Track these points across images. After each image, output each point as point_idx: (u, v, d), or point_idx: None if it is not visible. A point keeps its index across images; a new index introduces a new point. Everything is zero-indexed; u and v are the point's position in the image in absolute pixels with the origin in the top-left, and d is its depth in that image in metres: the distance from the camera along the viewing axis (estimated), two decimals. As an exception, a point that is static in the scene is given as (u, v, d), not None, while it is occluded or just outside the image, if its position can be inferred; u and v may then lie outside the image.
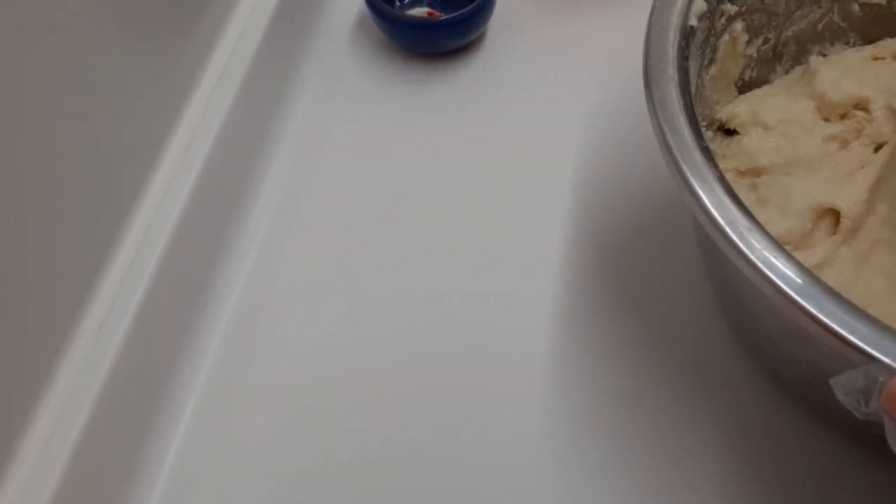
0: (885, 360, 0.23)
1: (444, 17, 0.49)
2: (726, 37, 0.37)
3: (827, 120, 0.38)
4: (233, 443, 0.37)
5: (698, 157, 0.28)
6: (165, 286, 0.37)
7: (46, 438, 0.32)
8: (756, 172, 0.37)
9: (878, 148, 0.37)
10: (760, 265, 0.25)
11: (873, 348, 0.23)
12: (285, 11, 0.48)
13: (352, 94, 0.50)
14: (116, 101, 0.36)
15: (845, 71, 0.39)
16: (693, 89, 0.31)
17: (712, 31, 0.35)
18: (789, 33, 0.40)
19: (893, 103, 0.37)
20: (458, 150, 0.47)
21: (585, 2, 0.53)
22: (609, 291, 0.41)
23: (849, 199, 0.35)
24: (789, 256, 0.25)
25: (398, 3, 0.52)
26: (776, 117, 0.38)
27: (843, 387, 0.24)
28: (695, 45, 0.32)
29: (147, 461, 0.36)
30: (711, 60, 0.37)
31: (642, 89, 0.48)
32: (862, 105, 0.38)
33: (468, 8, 0.48)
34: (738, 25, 0.37)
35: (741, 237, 0.26)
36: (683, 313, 0.40)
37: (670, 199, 0.43)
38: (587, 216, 0.44)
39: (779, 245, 0.26)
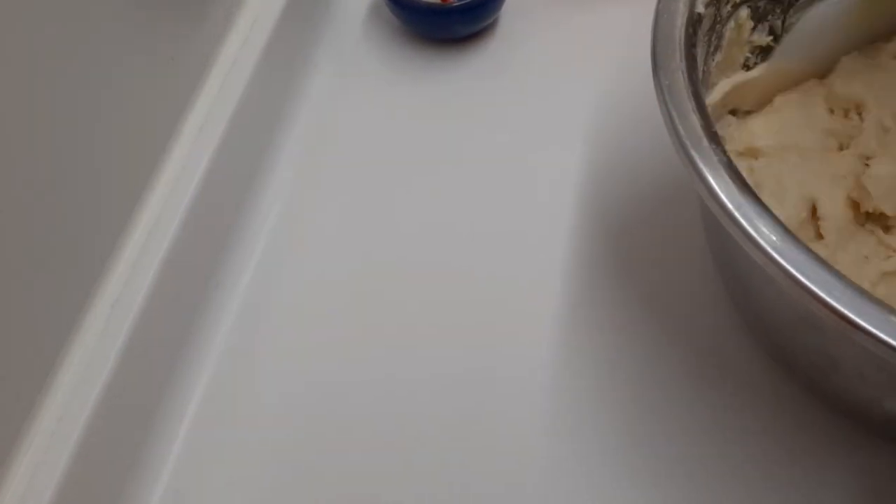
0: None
1: (457, 3, 0.49)
2: (732, 24, 0.36)
3: (832, 112, 0.38)
4: (238, 439, 0.37)
5: (706, 143, 0.28)
6: (177, 271, 0.37)
7: (50, 433, 0.32)
8: (753, 154, 0.37)
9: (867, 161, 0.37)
10: (770, 250, 0.25)
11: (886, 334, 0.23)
12: (298, -2, 0.48)
13: (364, 79, 0.50)
14: (130, 85, 0.36)
15: (865, 66, 0.39)
16: (700, 76, 0.31)
17: (718, 18, 0.35)
18: (793, 20, 0.40)
19: (885, 120, 0.37)
20: (471, 136, 0.47)
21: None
22: (617, 279, 0.41)
23: (828, 201, 0.35)
24: (798, 241, 0.25)
25: (412, -11, 0.52)
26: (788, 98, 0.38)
27: None
28: (701, 31, 0.32)
29: (151, 456, 0.37)
30: (717, 47, 0.36)
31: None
32: (859, 110, 0.38)
33: (481, -6, 0.48)
34: (744, 12, 0.37)
35: (750, 223, 0.26)
36: (692, 301, 0.40)
37: (680, 189, 0.43)
38: (597, 204, 0.44)
39: (787, 230, 0.26)
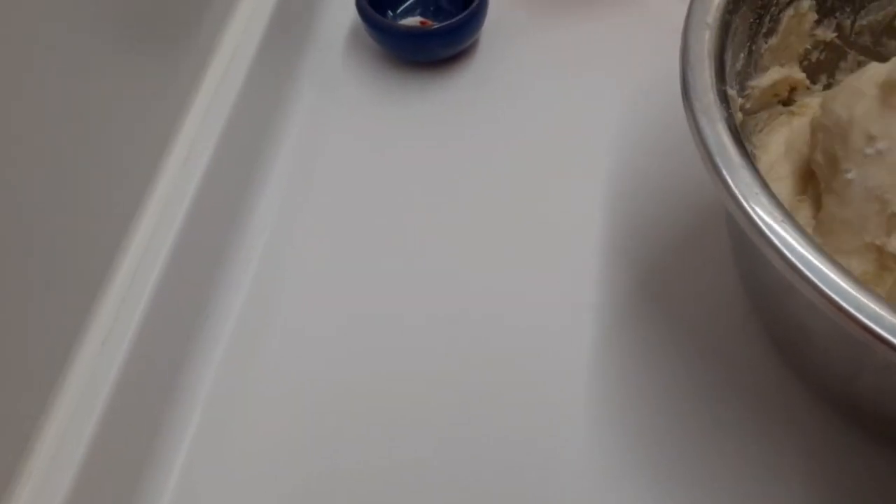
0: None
1: (436, 25, 0.50)
2: (791, 11, 0.36)
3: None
4: (240, 451, 0.37)
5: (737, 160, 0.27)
6: (167, 298, 0.37)
7: (55, 449, 0.32)
8: None
9: None
10: (814, 278, 0.25)
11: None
12: (279, 24, 0.48)
13: (347, 104, 0.50)
14: (114, 117, 0.36)
15: None
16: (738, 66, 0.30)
17: (775, 1, 0.35)
18: (864, 22, 0.39)
19: None
20: (454, 159, 0.47)
21: (577, 8, 0.53)
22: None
23: None
24: (841, 267, 0.25)
25: (391, 13, 0.53)
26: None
27: None
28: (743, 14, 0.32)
29: (154, 471, 0.36)
30: (772, 31, 0.36)
31: (637, 91, 0.48)
32: None
33: (460, 17, 0.48)
34: (806, 3, 0.37)
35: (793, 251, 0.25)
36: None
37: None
38: (580, 219, 0.44)
39: (827, 255, 0.25)
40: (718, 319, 0.40)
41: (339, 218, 0.45)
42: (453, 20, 0.48)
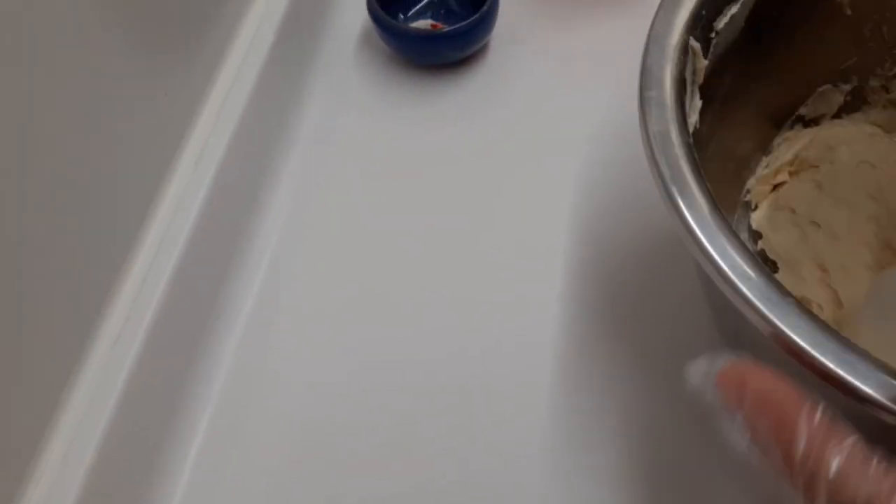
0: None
1: (447, 29, 0.50)
2: None
3: None
4: (247, 458, 0.38)
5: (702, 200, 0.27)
6: (178, 300, 0.38)
7: (63, 456, 0.32)
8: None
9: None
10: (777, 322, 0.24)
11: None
12: (291, 26, 0.48)
13: (358, 106, 0.50)
14: (126, 118, 0.36)
15: None
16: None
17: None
18: None
19: None
20: (463, 161, 0.47)
21: (587, 11, 0.53)
22: (609, 298, 0.41)
23: None
24: (801, 308, 0.24)
25: (402, 17, 0.53)
26: None
27: (694, 375, 0.22)
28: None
29: (162, 477, 0.37)
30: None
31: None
32: None
33: (471, 20, 0.48)
34: None
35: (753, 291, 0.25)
36: (689, 341, 0.39)
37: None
38: (588, 228, 0.44)
39: (788, 294, 0.25)
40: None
41: (350, 219, 0.45)
42: (463, 23, 0.49)
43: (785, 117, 0.43)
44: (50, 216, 0.32)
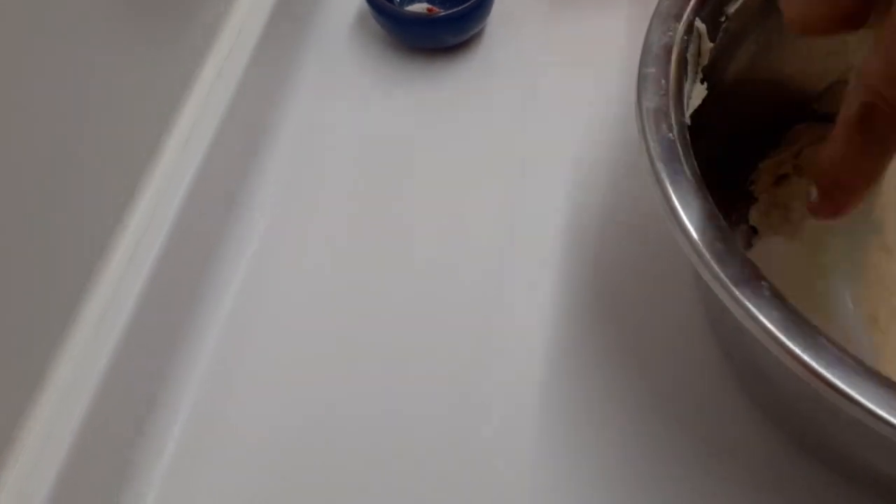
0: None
1: (443, 12, 0.49)
2: None
3: None
4: (229, 442, 0.37)
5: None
6: (163, 282, 0.37)
7: (43, 437, 0.32)
8: None
9: None
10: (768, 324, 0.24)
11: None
12: (285, 7, 0.48)
13: (351, 89, 0.50)
14: (113, 98, 0.36)
15: None
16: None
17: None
18: None
19: None
20: (458, 146, 0.47)
21: (585, -2, 0.53)
22: (603, 294, 0.41)
23: None
24: (792, 310, 0.24)
25: (397, 0, 0.52)
26: None
27: None
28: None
29: (144, 459, 0.36)
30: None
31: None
32: None
33: (467, 4, 0.48)
34: None
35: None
36: (683, 350, 0.39)
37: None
38: (582, 216, 0.43)
39: (780, 296, 0.24)
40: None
41: (340, 203, 0.45)
42: (460, 8, 0.48)
43: (799, 110, 0.42)
44: (32, 193, 0.31)
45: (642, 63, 0.30)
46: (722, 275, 0.25)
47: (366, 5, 0.49)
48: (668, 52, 0.30)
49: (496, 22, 0.52)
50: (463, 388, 0.38)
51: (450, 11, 0.48)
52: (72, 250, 0.34)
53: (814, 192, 0.26)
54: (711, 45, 0.33)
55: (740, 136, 0.40)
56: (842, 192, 0.26)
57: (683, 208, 0.26)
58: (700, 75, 0.33)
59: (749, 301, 0.24)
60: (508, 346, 0.39)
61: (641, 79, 0.30)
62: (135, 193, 0.38)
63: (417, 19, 0.50)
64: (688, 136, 0.28)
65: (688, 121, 0.30)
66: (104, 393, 0.33)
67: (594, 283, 0.41)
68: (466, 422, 0.37)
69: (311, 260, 0.43)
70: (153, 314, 0.37)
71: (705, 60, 0.33)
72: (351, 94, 0.49)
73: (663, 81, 0.29)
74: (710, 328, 0.39)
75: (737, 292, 0.24)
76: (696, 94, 0.32)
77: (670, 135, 0.28)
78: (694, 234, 0.26)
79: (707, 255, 0.25)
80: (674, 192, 0.26)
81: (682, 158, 0.27)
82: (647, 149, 0.28)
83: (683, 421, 0.37)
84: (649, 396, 0.37)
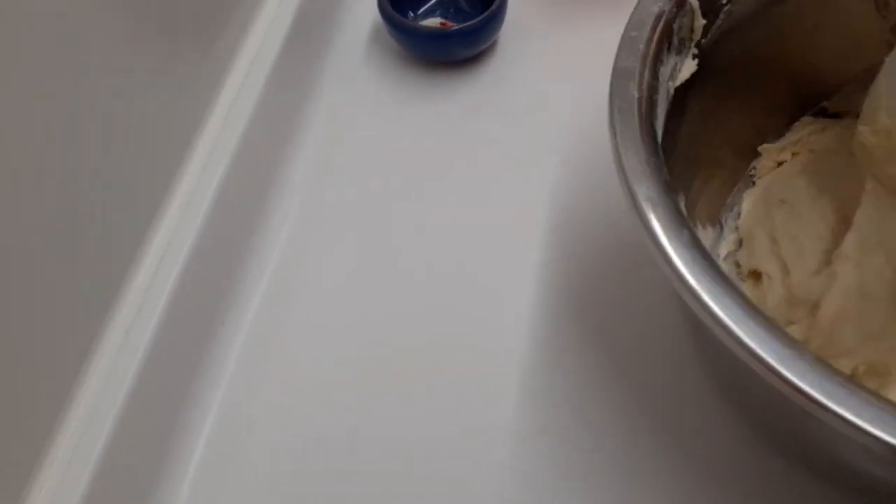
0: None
1: (456, 27, 0.50)
2: None
3: None
4: (252, 456, 0.38)
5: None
6: (187, 297, 0.38)
7: (69, 456, 0.32)
8: None
9: None
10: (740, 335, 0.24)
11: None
12: (302, 24, 0.49)
13: (368, 103, 0.51)
14: (137, 116, 0.37)
15: None
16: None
17: None
18: None
19: None
20: (472, 159, 0.48)
21: (596, 11, 0.54)
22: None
23: None
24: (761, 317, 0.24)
25: (411, 14, 0.53)
26: None
27: None
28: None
29: (169, 475, 0.37)
30: None
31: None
32: None
33: (480, 18, 0.49)
34: None
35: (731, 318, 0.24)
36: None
37: None
38: (597, 225, 0.44)
39: (751, 305, 0.25)
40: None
41: (358, 216, 0.46)
42: (472, 21, 0.49)
43: (809, 103, 0.43)
44: (62, 210, 0.32)
45: (627, 27, 0.31)
46: (666, 245, 0.25)
47: (380, 21, 0.50)
48: (657, 20, 0.31)
49: (508, 35, 0.53)
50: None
51: (462, 25, 0.49)
52: (95, 269, 0.35)
53: None
54: (704, 21, 0.34)
55: (750, 121, 0.41)
56: None
57: (626, 161, 0.27)
58: (694, 50, 0.34)
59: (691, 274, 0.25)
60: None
61: (623, 41, 0.31)
62: (157, 212, 0.39)
63: (431, 34, 0.51)
64: (657, 98, 0.29)
65: (671, 90, 0.31)
66: (129, 410, 0.34)
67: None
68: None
69: (331, 273, 0.44)
70: (178, 328, 0.38)
71: (698, 35, 0.34)
72: (367, 107, 0.51)
73: (641, 46, 0.30)
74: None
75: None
76: (686, 68, 0.33)
77: (635, 93, 0.29)
78: (636, 191, 0.27)
79: (643, 207, 0.26)
80: (623, 151, 0.28)
81: (642, 118, 0.28)
82: (610, 105, 0.29)
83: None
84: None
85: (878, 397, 0.22)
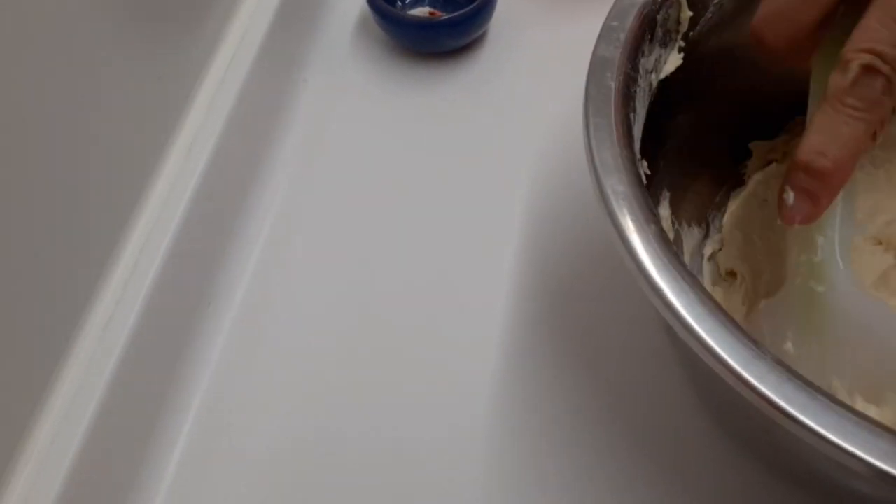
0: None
1: (445, 16, 0.50)
2: None
3: None
4: (236, 446, 0.38)
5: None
6: (169, 288, 0.38)
7: (50, 441, 0.32)
8: None
9: None
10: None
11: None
12: (287, 12, 0.48)
13: (354, 93, 0.50)
14: (118, 103, 0.36)
15: None
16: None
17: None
18: None
19: None
20: (460, 150, 0.47)
21: (587, 1, 0.53)
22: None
23: None
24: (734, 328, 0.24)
25: (400, 3, 0.53)
26: None
27: None
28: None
29: (151, 464, 0.37)
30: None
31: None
32: None
33: (469, 8, 0.48)
34: None
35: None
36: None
37: None
38: (590, 218, 0.44)
39: (715, 303, 0.24)
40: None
41: (343, 206, 0.45)
42: (462, 11, 0.48)
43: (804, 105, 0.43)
44: (39, 201, 0.32)
45: (609, 16, 0.31)
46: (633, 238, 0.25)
47: (368, 9, 0.50)
48: (639, 10, 0.31)
49: (498, 25, 0.52)
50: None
51: (452, 15, 0.49)
52: (77, 256, 0.35)
53: (791, 195, 0.26)
54: (691, 13, 0.33)
55: (740, 120, 0.40)
56: (820, 182, 0.26)
57: (597, 153, 0.28)
58: (681, 43, 0.33)
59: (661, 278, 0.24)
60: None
61: (603, 30, 0.31)
62: (139, 201, 0.38)
63: (419, 23, 0.50)
64: (636, 91, 0.29)
65: (654, 82, 0.31)
66: (108, 405, 0.34)
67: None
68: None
69: (314, 264, 0.43)
70: (159, 321, 0.37)
71: (685, 28, 0.33)
72: (354, 98, 0.50)
73: (621, 35, 0.30)
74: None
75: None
76: (671, 61, 0.33)
77: (611, 83, 0.29)
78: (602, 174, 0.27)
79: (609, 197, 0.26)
80: (594, 139, 0.28)
81: (617, 109, 0.28)
82: (585, 95, 0.29)
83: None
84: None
85: (839, 403, 0.22)
